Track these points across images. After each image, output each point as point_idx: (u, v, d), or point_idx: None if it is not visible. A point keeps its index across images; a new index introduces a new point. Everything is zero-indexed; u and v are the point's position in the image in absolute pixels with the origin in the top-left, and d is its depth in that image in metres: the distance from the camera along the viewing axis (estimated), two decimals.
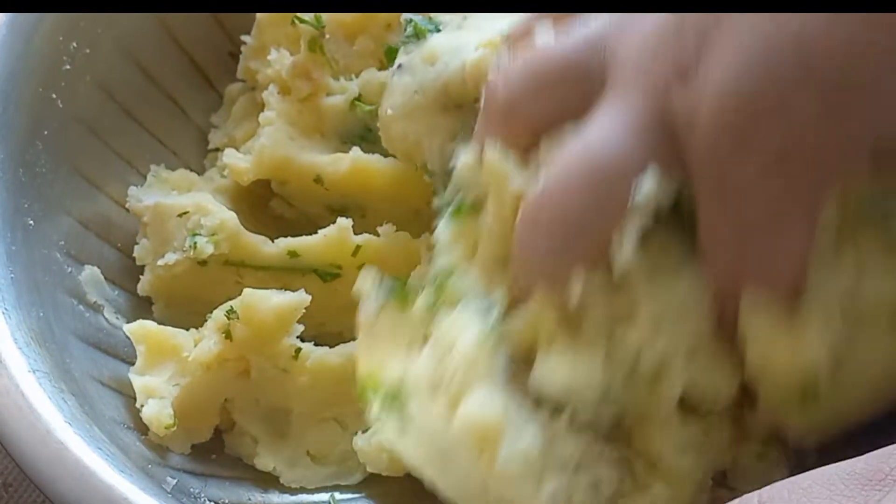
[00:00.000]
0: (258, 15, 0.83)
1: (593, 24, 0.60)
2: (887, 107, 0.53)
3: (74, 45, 0.78)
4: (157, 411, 0.70)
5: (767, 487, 0.47)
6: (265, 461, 0.72)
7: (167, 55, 0.84)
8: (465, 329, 0.59)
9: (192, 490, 0.68)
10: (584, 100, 0.58)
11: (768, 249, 0.55)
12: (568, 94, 0.59)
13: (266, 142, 0.77)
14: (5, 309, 0.66)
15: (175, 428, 0.70)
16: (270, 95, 0.79)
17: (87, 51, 0.79)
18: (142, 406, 0.70)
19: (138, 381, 0.71)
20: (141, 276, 0.77)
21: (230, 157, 0.78)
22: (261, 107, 0.80)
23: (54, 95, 0.77)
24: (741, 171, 0.54)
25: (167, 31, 0.84)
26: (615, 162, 0.56)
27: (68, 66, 0.78)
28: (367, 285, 0.64)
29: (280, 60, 0.79)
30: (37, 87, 0.76)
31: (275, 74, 0.79)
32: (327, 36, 0.80)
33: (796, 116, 0.53)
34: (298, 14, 0.80)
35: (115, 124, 0.81)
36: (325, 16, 0.80)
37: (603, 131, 0.57)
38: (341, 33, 0.80)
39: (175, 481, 0.67)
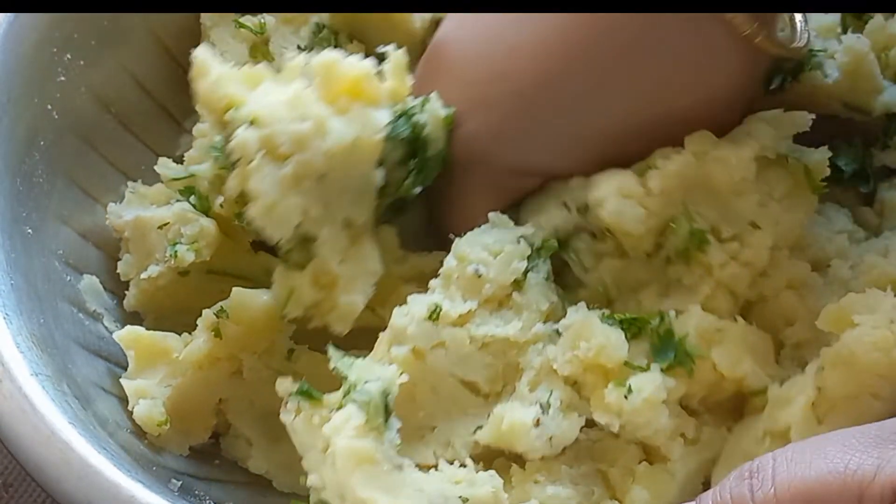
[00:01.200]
0: (202, 22, 0.84)
1: None
2: None
3: (69, 56, 0.79)
4: (148, 410, 0.70)
5: (781, 448, 0.47)
6: (259, 464, 0.72)
7: (160, 66, 0.85)
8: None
9: (196, 492, 0.68)
10: None
11: None
12: None
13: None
14: (6, 314, 0.67)
15: (167, 426, 0.70)
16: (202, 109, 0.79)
17: (82, 62, 0.79)
18: (133, 408, 0.70)
19: (130, 385, 0.71)
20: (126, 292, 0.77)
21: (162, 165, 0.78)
22: None
23: (50, 107, 0.77)
24: None
25: (160, 43, 0.84)
26: None
27: (63, 78, 0.78)
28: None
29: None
30: (32, 99, 0.76)
31: None
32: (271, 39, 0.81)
33: None
34: (240, 20, 0.81)
35: (110, 135, 0.81)
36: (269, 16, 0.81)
37: None
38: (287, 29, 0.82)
39: (180, 483, 0.67)
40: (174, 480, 0.66)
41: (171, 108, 0.85)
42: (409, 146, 0.70)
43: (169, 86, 0.85)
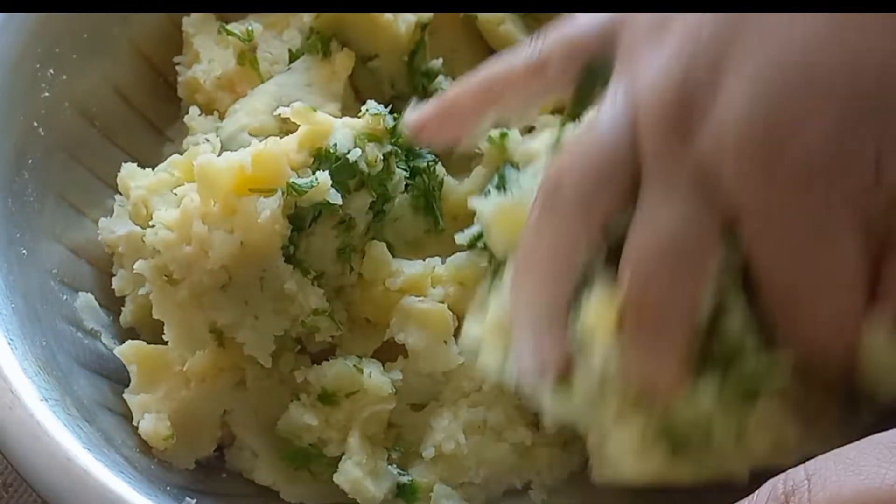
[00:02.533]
0: (184, 29, 0.84)
1: (612, 91, 0.61)
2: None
3: (51, 72, 0.78)
4: (154, 425, 0.69)
5: (812, 460, 0.47)
6: (264, 475, 0.72)
7: (141, 77, 0.84)
8: None
9: None
10: (632, 183, 0.59)
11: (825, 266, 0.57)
12: (622, 182, 0.59)
13: None
14: (10, 339, 0.66)
15: (174, 440, 0.69)
16: (192, 120, 0.80)
17: (65, 77, 0.79)
18: (138, 423, 0.70)
19: (133, 400, 0.71)
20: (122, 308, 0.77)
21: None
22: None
23: (36, 124, 0.77)
24: (779, 199, 0.56)
25: (140, 53, 0.84)
26: (683, 240, 0.57)
27: (47, 94, 0.77)
28: None
29: (208, 72, 0.80)
30: (19, 117, 0.76)
31: (198, 85, 0.81)
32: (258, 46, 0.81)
33: (814, 136, 0.55)
34: (227, 27, 0.81)
35: (96, 150, 0.81)
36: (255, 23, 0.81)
37: (659, 214, 0.58)
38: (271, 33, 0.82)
39: (195, 501, 0.66)
40: (188, 499, 0.66)
41: (153, 118, 0.85)
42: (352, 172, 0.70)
43: (150, 96, 0.85)
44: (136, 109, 0.83)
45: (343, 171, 0.69)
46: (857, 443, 0.47)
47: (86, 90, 0.80)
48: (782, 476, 0.47)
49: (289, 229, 0.67)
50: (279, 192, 0.66)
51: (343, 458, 0.69)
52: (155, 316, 0.69)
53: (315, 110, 0.70)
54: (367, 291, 0.72)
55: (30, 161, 0.75)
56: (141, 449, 0.69)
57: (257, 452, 0.72)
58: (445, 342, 0.70)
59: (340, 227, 0.70)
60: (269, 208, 0.66)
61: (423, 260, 0.73)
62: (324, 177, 0.67)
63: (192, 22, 0.83)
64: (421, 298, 0.71)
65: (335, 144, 0.69)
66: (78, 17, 0.79)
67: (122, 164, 0.79)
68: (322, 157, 0.68)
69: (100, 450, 0.63)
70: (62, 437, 0.62)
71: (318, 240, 0.69)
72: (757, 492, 0.48)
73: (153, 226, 0.68)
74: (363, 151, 0.69)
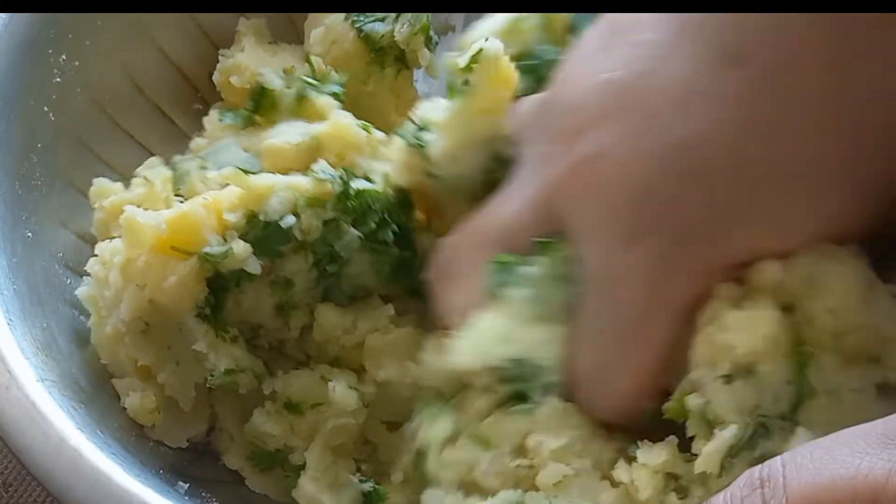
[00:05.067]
0: (238, 29, 0.84)
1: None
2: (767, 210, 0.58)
3: (63, 57, 0.78)
4: (140, 400, 0.70)
5: (789, 451, 0.48)
6: (234, 460, 0.72)
7: (155, 66, 0.84)
8: None
9: (203, 494, 0.68)
10: None
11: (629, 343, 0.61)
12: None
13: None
14: (10, 320, 0.67)
15: (160, 414, 0.70)
16: (210, 122, 0.81)
17: (76, 63, 0.79)
18: (125, 401, 0.70)
19: (120, 382, 0.71)
20: None
21: None
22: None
23: (46, 108, 0.77)
24: (623, 263, 0.60)
25: (154, 43, 0.84)
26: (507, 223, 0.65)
27: (59, 80, 0.78)
28: None
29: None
30: (28, 101, 0.76)
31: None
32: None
33: (683, 217, 0.58)
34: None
35: (106, 136, 0.81)
36: None
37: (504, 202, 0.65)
38: None
39: (187, 485, 0.67)
40: (181, 483, 0.67)
41: (165, 108, 0.85)
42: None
43: (162, 85, 0.85)
44: (146, 97, 0.84)
45: (274, 237, 0.68)
46: (833, 434, 0.48)
47: (97, 77, 0.81)
48: (759, 466, 0.48)
49: (204, 292, 0.68)
50: (195, 257, 0.67)
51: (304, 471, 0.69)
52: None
53: (249, 173, 0.69)
54: (323, 351, 0.72)
55: (39, 145, 0.76)
56: (135, 432, 0.70)
57: (234, 437, 0.72)
58: (414, 361, 0.70)
59: (276, 286, 0.70)
60: (177, 274, 0.66)
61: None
62: (240, 247, 0.67)
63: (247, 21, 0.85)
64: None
65: (265, 211, 0.68)
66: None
67: (131, 151, 0.81)
68: (251, 223, 0.68)
69: (93, 431, 0.63)
70: (56, 418, 0.63)
71: (249, 297, 0.69)
72: (735, 481, 0.49)
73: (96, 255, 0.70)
74: (298, 219, 0.69)
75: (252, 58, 0.82)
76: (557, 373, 0.63)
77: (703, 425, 0.59)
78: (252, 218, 0.68)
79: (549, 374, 0.63)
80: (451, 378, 0.66)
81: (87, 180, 0.79)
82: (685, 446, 0.61)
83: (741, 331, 0.59)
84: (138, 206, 0.69)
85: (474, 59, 0.68)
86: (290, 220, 0.68)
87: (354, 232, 0.70)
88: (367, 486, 0.69)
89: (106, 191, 0.75)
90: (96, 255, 0.70)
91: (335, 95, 0.77)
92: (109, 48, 0.81)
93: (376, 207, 0.71)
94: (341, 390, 0.69)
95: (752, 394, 0.58)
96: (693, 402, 0.59)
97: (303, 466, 0.69)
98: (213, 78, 0.83)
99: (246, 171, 0.70)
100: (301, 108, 0.76)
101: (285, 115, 0.77)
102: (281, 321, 0.71)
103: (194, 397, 0.70)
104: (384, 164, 0.73)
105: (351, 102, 0.78)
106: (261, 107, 0.77)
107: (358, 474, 0.70)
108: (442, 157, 0.71)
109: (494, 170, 0.70)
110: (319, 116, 0.75)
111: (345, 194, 0.70)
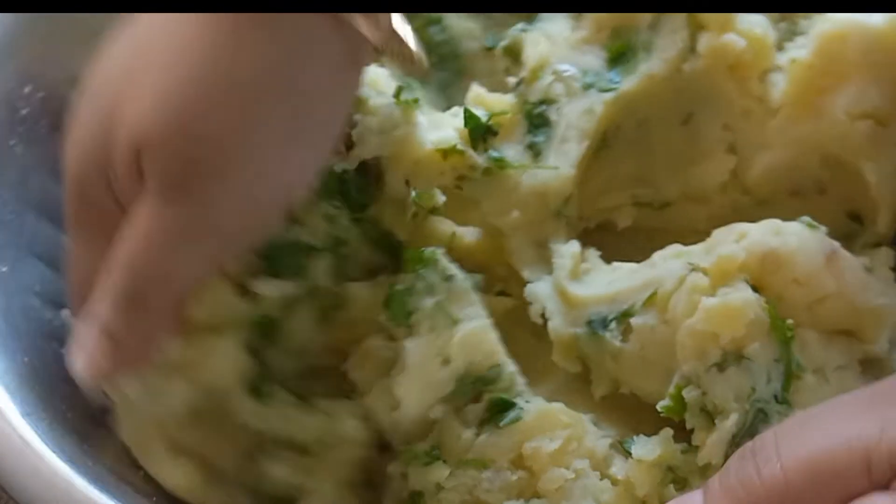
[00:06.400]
0: None
1: None
2: None
3: (28, 89, 0.78)
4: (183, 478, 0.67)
5: (780, 424, 0.48)
6: None
7: None
8: None
9: None
10: None
11: None
12: None
13: None
14: None
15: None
16: None
17: (41, 94, 0.79)
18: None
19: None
20: None
21: None
22: None
23: (13, 142, 0.77)
24: None
25: None
26: None
27: (24, 112, 0.78)
28: None
29: None
30: None
31: None
32: None
33: None
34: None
35: None
36: None
37: None
38: None
39: None
40: None
41: None
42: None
43: None
44: None
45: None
46: (823, 403, 0.48)
47: (63, 107, 0.80)
48: (751, 442, 0.49)
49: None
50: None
51: None
52: None
53: None
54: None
55: (8, 179, 0.75)
56: (126, 461, 0.69)
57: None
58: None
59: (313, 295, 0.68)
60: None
61: None
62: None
63: None
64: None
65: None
66: (50, 36, 0.80)
67: None
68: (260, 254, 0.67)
69: (84, 462, 0.63)
70: (45, 451, 0.62)
71: (297, 319, 0.68)
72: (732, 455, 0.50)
73: None
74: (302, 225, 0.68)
75: None
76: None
77: (702, 417, 0.59)
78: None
79: (507, 367, 0.64)
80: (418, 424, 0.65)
81: (58, 212, 0.78)
82: (679, 437, 0.61)
83: (721, 317, 0.59)
84: None
85: None
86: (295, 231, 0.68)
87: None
88: None
89: None
90: None
91: None
92: (74, 78, 0.80)
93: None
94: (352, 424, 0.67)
95: (746, 378, 0.59)
96: (690, 395, 0.59)
97: None
98: None
99: None
100: None
101: None
102: (326, 330, 0.69)
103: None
104: None
105: None
106: None
107: None
108: None
109: None
110: None
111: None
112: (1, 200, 0.74)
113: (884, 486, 0.46)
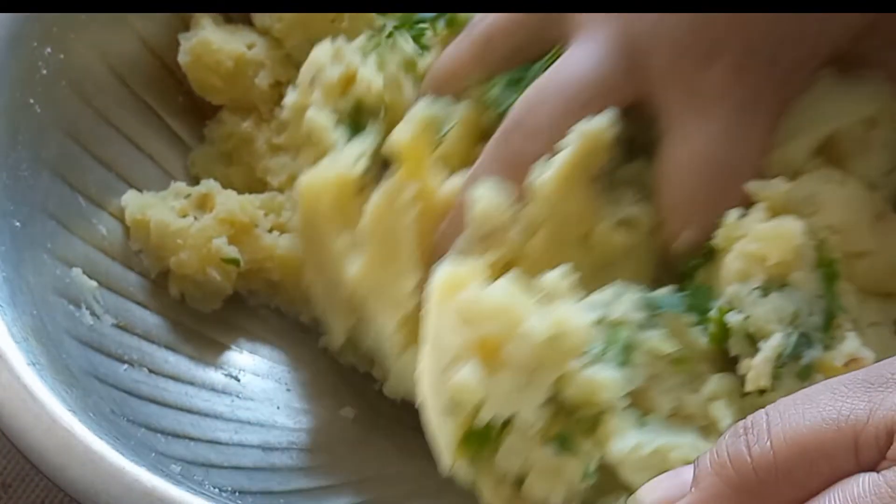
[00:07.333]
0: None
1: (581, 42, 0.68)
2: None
3: (49, 50, 0.79)
4: None
5: (772, 404, 0.48)
6: None
7: (138, 59, 0.85)
8: None
9: (196, 477, 0.68)
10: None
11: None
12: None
13: None
14: (0, 306, 0.67)
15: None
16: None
17: (62, 56, 0.80)
18: None
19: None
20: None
21: None
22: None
23: (32, 101, 0.77)
24: (706, 82, 0.63)
25: (138, 36, 0.85)
26: (585, 79, 0.65)
27: (45, 72, 0.78)
28: None
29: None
30: (14, 93, 0.76)
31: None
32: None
33: (747, 33, 0.62)
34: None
35: (92, 129, 0.81)
36: None
37: (574, 58, 0.66)
38: None
39: (179, 468, 0.67)
40: (173, 466, 0.67)
41: (151, 102, 0.86)
42: None
43: (148, 79, 0.85)
44: (132, 91, 0.84)
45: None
46: (815, 385, 0.48)
47: (83, 71, 0.81)
48: (745, 419, 0.48)
49: None
50: None
51: None
52: None
53: None
54: None
55: (24, 137, 0.76)
56: (132, 419, 0.70)
57: None
58: None
59: None
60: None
61: None
62: None
63: None
64: None
65: None
66: None
67: (117, 144, 0.81)
68: None
69: (85, 413, 0.63)
70: (47, 400, 0.63)
71: None
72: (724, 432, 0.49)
73: None
74: None
75: (216, 36, 0.83)
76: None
77: (745, 342, 0.59)
78: None
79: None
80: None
81: (73, 172, 0.79)
82: None
83: (771, 240, 0.60)
84: None
85: None
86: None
87: None
88: None
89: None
90: None
91: None
92: (95, 42, 0.82)
93: None
94: None
95: (789, 304, 0.59)
96: (733, 318, 0.59)
97: None
98: (179, 59, 0.83)
99: None
100: None
101: None
102: None
103: None
104: None
105: None
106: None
107: None
108: None
109: None
110: None
111: None
112: (17, 158, 0.75)
113: (871, 468, 0.46)
